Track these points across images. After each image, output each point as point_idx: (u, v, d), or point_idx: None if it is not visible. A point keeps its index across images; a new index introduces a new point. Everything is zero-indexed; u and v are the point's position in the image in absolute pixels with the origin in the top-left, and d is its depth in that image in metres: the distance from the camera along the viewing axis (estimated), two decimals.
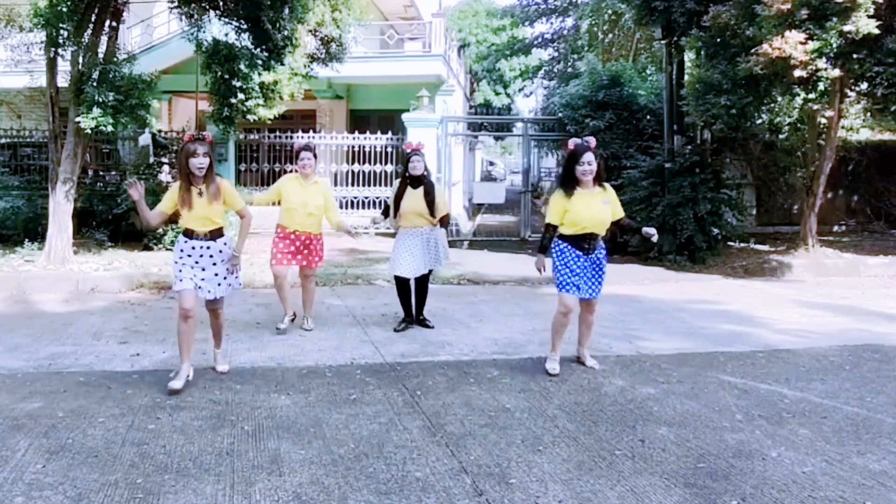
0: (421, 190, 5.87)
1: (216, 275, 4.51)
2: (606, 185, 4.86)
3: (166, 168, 11.72)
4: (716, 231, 10.16)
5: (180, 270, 4.43)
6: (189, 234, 4.48)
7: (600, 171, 4.74)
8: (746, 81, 8.80)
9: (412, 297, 6.15)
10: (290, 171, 6.05)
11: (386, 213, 6.16)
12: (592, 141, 4.75)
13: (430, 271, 6.08)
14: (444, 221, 6.02)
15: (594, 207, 4.70)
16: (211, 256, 4.49)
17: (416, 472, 3.28)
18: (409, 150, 6.00)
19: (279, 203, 5.96)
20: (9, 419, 3.88)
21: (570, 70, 22.10)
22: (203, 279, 4.45)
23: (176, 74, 14.81)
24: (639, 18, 10.70)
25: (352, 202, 13.75)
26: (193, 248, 4.46)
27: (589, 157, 4.65)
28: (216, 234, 4.51)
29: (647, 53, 18.50)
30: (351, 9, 11.58)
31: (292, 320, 6.06)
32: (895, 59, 8.09)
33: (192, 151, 4.34)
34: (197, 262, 4.46)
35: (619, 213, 4.90)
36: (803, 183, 10.86)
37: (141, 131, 11.31)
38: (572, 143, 4.80)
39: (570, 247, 4.76)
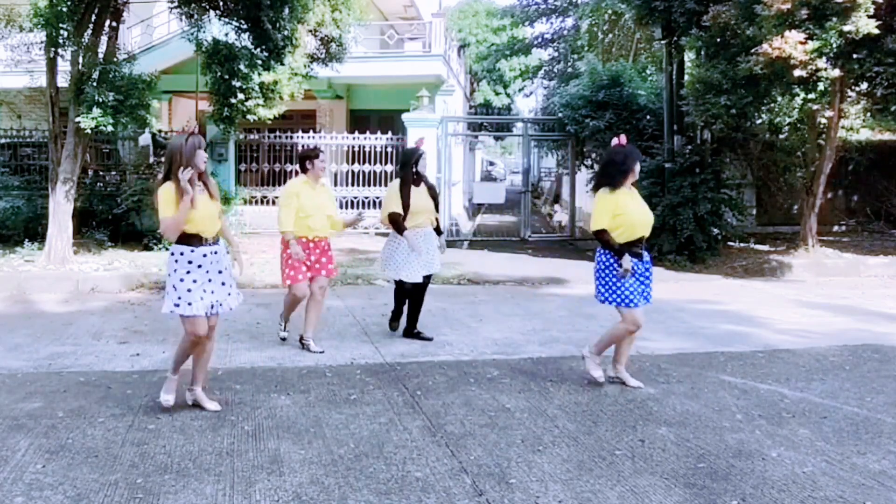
0: (423, 187, 5.69)
1: (223, 284, 4.01)
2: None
3: None
4: (716, 231, 10.15)
5: (189, 291, 3.85)
6: (197, 240, 3.91)
7: None
8: (746, 81, 8.81)
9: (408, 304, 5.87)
10: (291, 172, 5.84)
11: (398, 227, 5.56)
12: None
13: (430, 278, 5.78)
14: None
15: (644, 206, 4.57)
16: (219, 262, 4.01)
17: (416, 472, 3.28)
18: (421, 149, 5.65)
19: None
20: (9, 419, 3.88)
21: (570, 70, 22.08)
22: (213, 291, 3.94)
23: (176, 74, 14.80)
24: (639, 18, 10.70)
25: (352, 202, 13.74)
26: (205, 255, 3.92)
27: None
28: (218, 236, 4.09)
29: (647, 53, 18.47)
30: (351, 9, 11.58)
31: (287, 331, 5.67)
32: (895, 59, 8.10)
33: (200, 144, 3.95)
34: (208, 272, 3.93)
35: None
36: (803, 183, 10.86)
37: (141, 131, 11.31)
38: (623, 139, 4.59)
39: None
